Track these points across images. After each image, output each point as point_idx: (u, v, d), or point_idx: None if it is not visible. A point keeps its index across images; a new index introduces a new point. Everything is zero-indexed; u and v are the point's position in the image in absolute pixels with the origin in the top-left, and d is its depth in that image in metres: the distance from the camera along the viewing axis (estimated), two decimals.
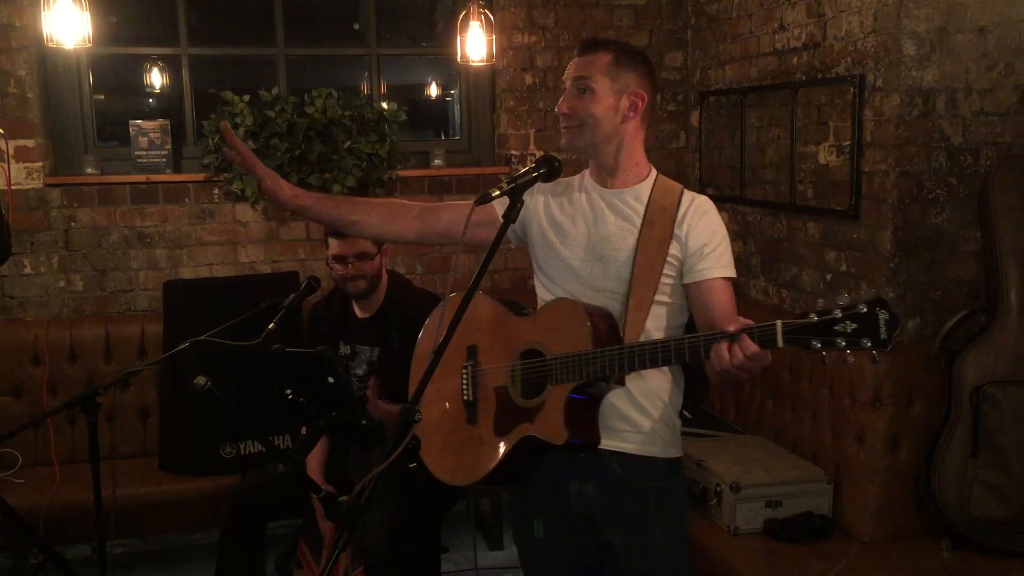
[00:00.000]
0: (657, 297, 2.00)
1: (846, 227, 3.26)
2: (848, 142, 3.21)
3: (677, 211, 2.02)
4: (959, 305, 3.05)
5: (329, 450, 3.05)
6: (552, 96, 4.34)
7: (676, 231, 2.01)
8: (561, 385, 1.95)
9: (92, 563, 2.78)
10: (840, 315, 1.60)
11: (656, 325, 2.01)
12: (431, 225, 2.20)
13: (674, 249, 2.01)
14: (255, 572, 3.02)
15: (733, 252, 2.08)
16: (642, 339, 1.97)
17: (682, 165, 4.45)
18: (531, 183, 1.91)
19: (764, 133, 3.80)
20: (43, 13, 3.43)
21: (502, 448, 2.04)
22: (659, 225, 2.01)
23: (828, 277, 3.39)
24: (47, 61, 3.96)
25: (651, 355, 1.85)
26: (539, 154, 3.61)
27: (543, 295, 2.14)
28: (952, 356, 2.90)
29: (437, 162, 4.33)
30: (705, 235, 2.01)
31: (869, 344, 1.60)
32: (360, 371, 3.07)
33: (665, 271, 2.00)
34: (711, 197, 2.14)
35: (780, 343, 1.66)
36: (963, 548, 2.85)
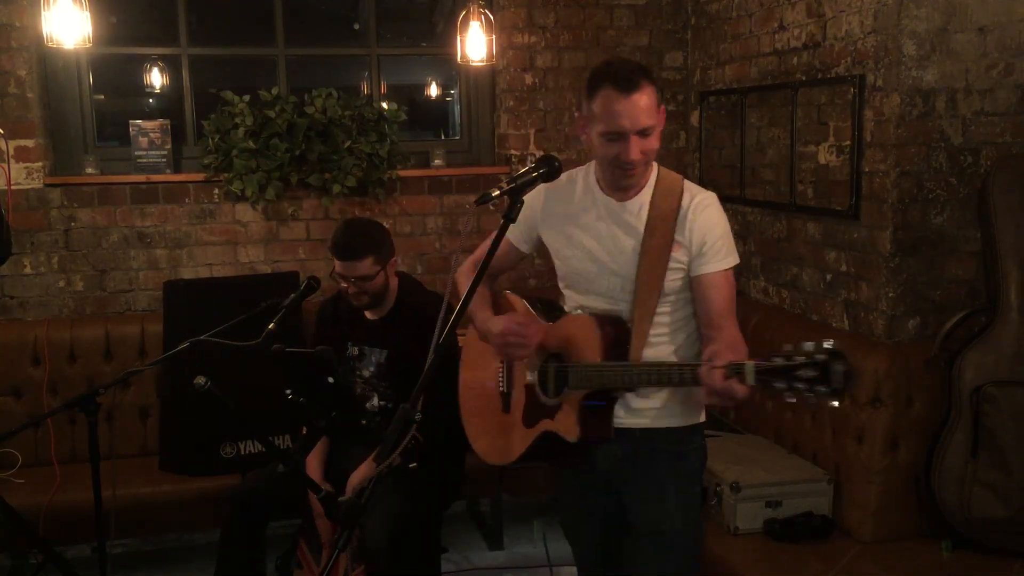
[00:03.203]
0: (667, 298, 2.13)
1: (846, 227, 3.26)
2: (848, 142, 3.21)
3: (677, 214, 2.10)
4: (959, 305, 3.05)
5: (329, 450, 3.04)
6: (552, 96, 4.34)
7: (678, 236, 2.10)
8: (576, 391, 2.10)
9: (92, 563, 2.78)
10: (802, 361, 1.69)
11: (667, 320, 2.15)
12: (501, 272, 2.44)
13: (679, 253, 2.10)
14: (255, 572, 3.02)
15: None
16: (648, 347, 2.11)
17: (682, 165, 4.45)
18: (531, 183, 1.96)
19: (764, 133, 3.81)
20: (43, 13, 3.43)
21: (529, 437, 2.25)
22: (660, 233, 2.09)
23: (828, 277, 3.39)
24: (47, 61, 3.96)
25: (650, 377, 2.03)
26: (539, 154, 3.61)
27: (568, 303, 2.29)
28: (952, 356, 2.90)
29: (437, 162, 4.33)
30: (704, 233, 2.10)
31: (825, 391, 1.67)
32: (367, 373, 3.07)
33: (669, 277, 2.11)
34: None
35: (750, 381, 1.76)
36: (963, 548, 2.85)
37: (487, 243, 2.03)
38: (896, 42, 2.95)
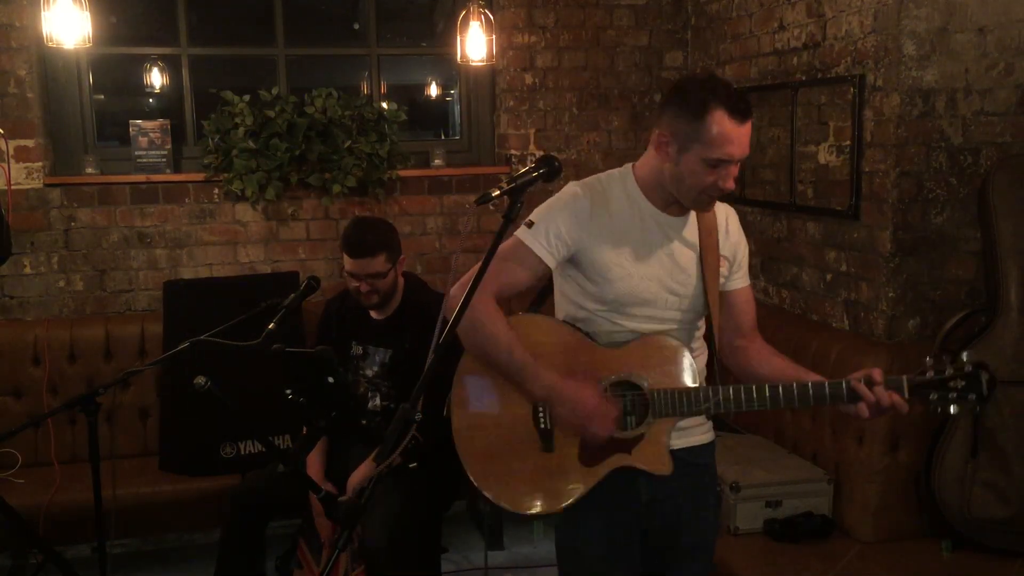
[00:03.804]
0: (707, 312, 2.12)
1: (846, 227, 3.26)
2: (848, 142, 3.21)
3: (717, 230, 2.08)
4: (959, 305, 3.05)
5: (329, 450, 3.05)
6: (552, 96, 4.34)
7: (723, 252, 2.09)
8: (664, 419, 2.00)
9: (92, 563, 2.78)
10: (952, 373, 1.95)
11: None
12: (515, 293, 2.08)
13: (724, 268, 2.10)
14: (255, 572, 3.02)
15: None
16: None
17: None
18: (531, 183, 1.89)
19: (764, 133, 3.80)
20: (43, 13, 3.43)
21: (592, 477, 2.01)
22: (710, 248, 2.07)
23: (828, 277, 3.39)
24: (47, 61, 3.96)
25: (790, 399, 1.97)
26: (539, 154, 3.60)
27: (603, 326, 2.04)
28: (952, 356, 2.89)
29: (437, 162, 4.33)
30: (743, 248, 2.14)
31: (974, 398, 1.94)
32: (371, 372, 3.07)
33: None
34: None
35: (906, 395, 1.94)
36: (963, 548, 2.85)
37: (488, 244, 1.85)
38: (896, 42, 2.95)
